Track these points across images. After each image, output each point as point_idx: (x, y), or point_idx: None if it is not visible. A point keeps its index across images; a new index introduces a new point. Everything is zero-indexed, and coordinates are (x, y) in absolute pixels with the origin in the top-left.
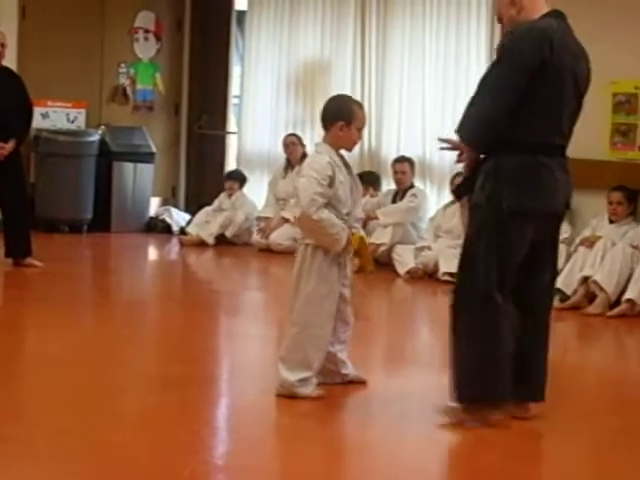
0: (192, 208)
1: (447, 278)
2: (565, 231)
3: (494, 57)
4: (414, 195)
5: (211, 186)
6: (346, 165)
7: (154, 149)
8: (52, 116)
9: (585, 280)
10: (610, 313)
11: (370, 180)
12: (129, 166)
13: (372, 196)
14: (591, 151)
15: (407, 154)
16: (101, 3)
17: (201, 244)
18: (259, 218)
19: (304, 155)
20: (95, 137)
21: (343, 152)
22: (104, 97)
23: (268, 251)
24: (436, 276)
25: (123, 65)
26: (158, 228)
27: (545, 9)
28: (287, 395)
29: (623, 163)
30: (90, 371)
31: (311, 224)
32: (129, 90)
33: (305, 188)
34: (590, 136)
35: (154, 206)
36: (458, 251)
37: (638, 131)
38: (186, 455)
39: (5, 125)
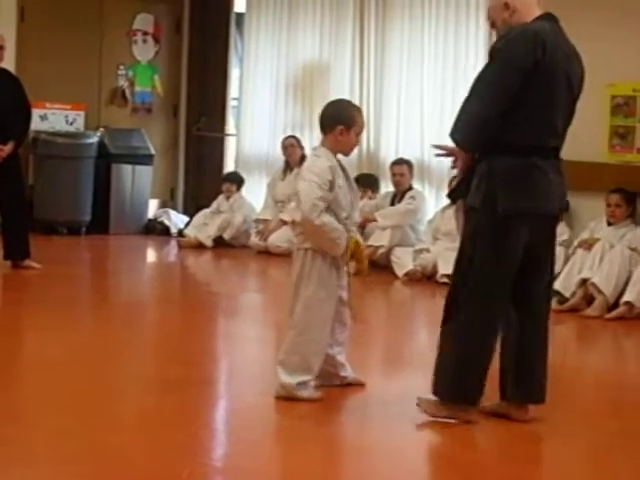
0: (190, 210)
1: (445, 280)
2: (563, 233)
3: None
4: (412, 197)
5: (210, 188)
6: (343, 169)
7: (153, 151)
8: (51, 118)
9: (583, 282)
10: (608, 315)
11: (368, 182)
12: (128, 168)
13: (370, 198)
14: (589, 153)
15: (405, 156)
16: (100, 5)
17: (199, 246)
18: (257, 220)
19: (303, 157)
20: (94, 139)
21: (339, 156)
22: (103, 99)
23: (266, 253)
24: (435, 278)
25: (122, 67)
26: (156, 230)
27: (537, 12)
28: (286, 397)
29: (621, 165)
30: (88, 373)
31: (313, 229)
32: (128, 92)
33: (307, 193)
34: (588, 138)
35: (152, 208)
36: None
37: (636, 133)
38: (184, 457)
39: (4, 127)
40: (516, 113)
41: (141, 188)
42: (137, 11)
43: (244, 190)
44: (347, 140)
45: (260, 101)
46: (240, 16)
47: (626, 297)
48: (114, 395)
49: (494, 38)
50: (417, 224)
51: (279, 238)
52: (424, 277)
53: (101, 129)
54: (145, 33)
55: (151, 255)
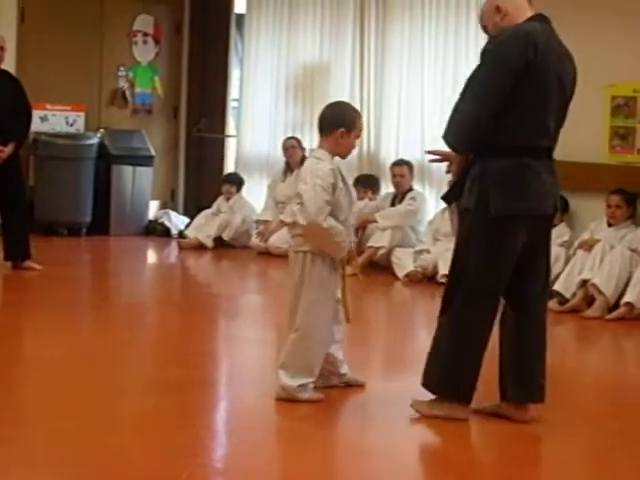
0: (191, 211)
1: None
2: (564, 234)
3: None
4: (413, 198)
5: (210, 189)
6: (341, 171)
7: (153, 152)
8: (51, 119)
9: (584, 283)
10: (609, 316)
11: (369, 183)
12: (128, 169)
13: (371, 199)
14: (590, 154)
15: (406, 157)
16: (100, 7)
17: (200, 247)
18: (258, 221)
19: (303, 158)
20: (94, 140)
21: (336, 159)
22: (103, 100)
23: (267, 254)
24: (435, 279)
25: (122, 68)
26: (157, 231)
27: (529, 14)
28: (286, 398)
29: (622, 166)
30: (88, 374)
31: (320, 232)
32: (128, 93)
33: (312, 196)
34: (589, 139)
35: (153, 209)
36: None
37: (637, 134)
38: (184, 458)
39: (4, 128)
40: (508, 114)
41: (141, 189)
42: (137, 12)
43: (244, 191)
44: (347, 143)
45: (260, 102)
46: (240, 17)
47: (626, 298)
48: (114, 396)
49: None
50: (417, 225)
51: (280, 239)
52: (424, 278)
53: (101, 130)
54: (145, 34)
55: (151, 256)
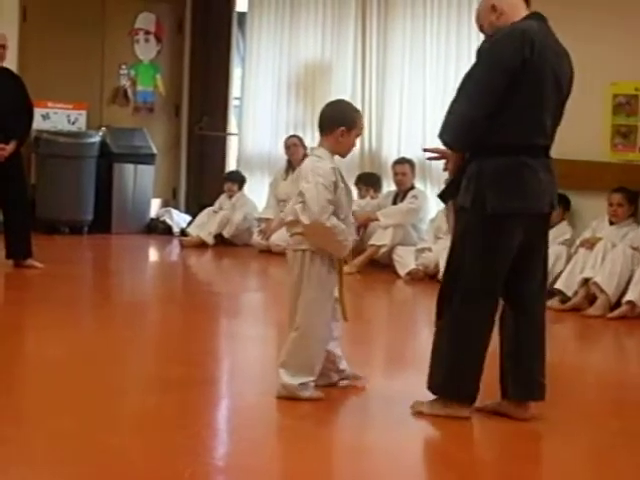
0: (192, 209)
1: None
2: (566, 232)
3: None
4: (414, 196)
5: (212, 188)
6: (339, 170)
7: (155, 150)
8: (53, 117)
9: (585, 282)
10: (610, 315)
11: (370, 181)
12: (130, 167)
13: (372, 197)
14: (591, 153)
15: (407, 155)
16: (102, 5)
17: (201, 245)
18: (260, 219)
19: (305, 157)
20: (96, 138)
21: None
22: (105, 98)
23: (268, 252)
24: (437, 277)
25: (124, 66)
26: (159, 229)
27: (525, 12)
28: (287, 397)
29: (624, 165)
30: (90, 373)
31: (323, 231)
32: (130, 91)
33: (314, 195)
34: (590, 138)
35: (155, 207)
36: None
37: (638, 133)
38: (186, 457)
39: (5, 126)
40: (504, 113)
41: (143, 187)
42: (139, 10)
43: (246, 189)
44: (347, 142)
45: (262, 100)
46: (242, 15)
47: (628, 296)
48: (115, 395)
49: None
50: (419, 223)
51: (281, 237)
52: (426, 276)
53: (103, 128)
54: (147, 32)
55: (153, 254)
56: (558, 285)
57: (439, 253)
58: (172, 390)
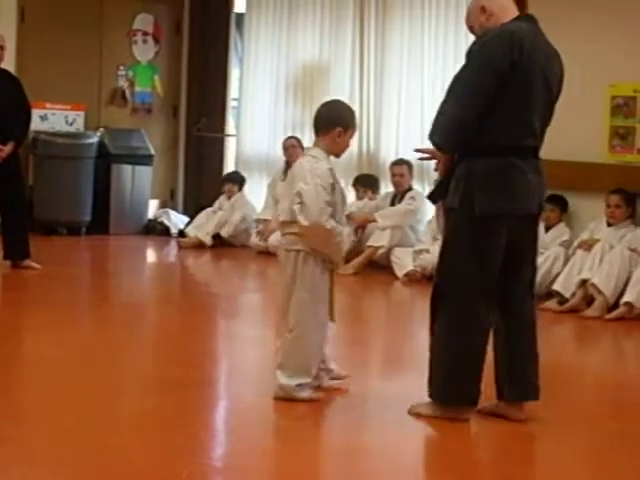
0: (190, 210)
1: None
2: (563, 234)
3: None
4: (412, 198)
5: (209, 189)
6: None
7: (152, 151)
8: (51, 118)
9: (583, 283)
10: (608, 316)
11: (368, 183)
12: (128, 168)
13: (370, 199)
14: (589, 154)
15: (405, 157)
16: (100, 6)
17: (199, 246)
18: (258, 220)
19: None
20: (94, 139)
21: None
22: (103, 99)
23: (266, 253)
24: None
25: (122, 67)
26: (156, 230)
27: (515, 13)
28: (285, 398)
29: (622, 166)
30: (88, 373)
31: (322, 233)
32: (128, 92)
33: (314, 197)
34: (589, 139)
35: (152, 208)
36: None
37: (637, 134)
38: (184, 457)
39: (3, 127)
40: (493, 114)
41: (141, 188)
42: (137, 11)
43: (245, 190)
44: (343, 142)
45: (260, 101)
46: (240, 16)
47: (626, 298)
48: (114, 396)
49: None
50: (417, 224)
51: (279, 238)
52: (424, 277)
53: (101, 129)
54: (145, 33)
55: (151, 255)
56: (556, 286)
57: (437, 254)
58: (170, 391)
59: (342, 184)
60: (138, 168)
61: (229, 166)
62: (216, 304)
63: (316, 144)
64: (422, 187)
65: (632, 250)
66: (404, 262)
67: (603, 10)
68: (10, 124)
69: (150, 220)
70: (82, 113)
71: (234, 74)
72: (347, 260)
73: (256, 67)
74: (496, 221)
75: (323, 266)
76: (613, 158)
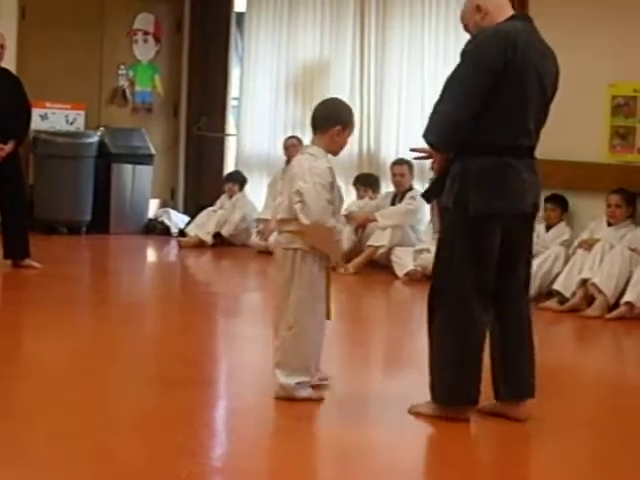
0: (191, 210)
1: None
2: (564, 233)
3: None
4: (413, 197)
5: (210, 188)
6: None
7: (153, 151)
8: (51, 118)
9: (584, 283)
10: (609, 316)
11: (369, 182)
12: (128, 168)
13: (371, 198)
14: (590, 154)
15: (406, 156)
16: (100, 5)
17: (200, 245)
18: (258, 220)
19: None
20: (94, 139)
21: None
22: (103, 99)
23: (267, 253)
24: None
25: (122, 67)
26: (157, 230)
27: (510, 12)
28: (286, 398)
29: (622, 166)
30: (88, 373)
31: (324, 231)
32: (128, 92)
33: (314, 196)
34: (589, 139)
35: (153, 208)
36: None
37: (637, 134)
38: (184, 457)
39: (3, 126)
40: (488, 114)
41: (141, 188)
42: (138, 11)
43: (246, 189)
44: (341, 140)
45: (260, 100)
46: (240, 15)
47: (626, 297)
48: (113, 395)
49: None
50: (417, 224)
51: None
52: (424, 277)
53: (101, 129)
54: (146, 33)
55: (151, 255)
56: (556, 286)
57: None
58: (170, 390)
59: (343, 183)
60: (138, 167)
61: (229, 165)
62: (216, 303)
63: (314, 142)
64: (422, 187)
65: (632, 250)
66: (404, 262)
67: (603, 9)
68: (10, 123)
69: (150, 219)
70: (82, 112)
71: (234, 73)
72: (348, 260)
73: (256, 66)
74: (491, 220)
75: (320, 264)
76: (613, 158)
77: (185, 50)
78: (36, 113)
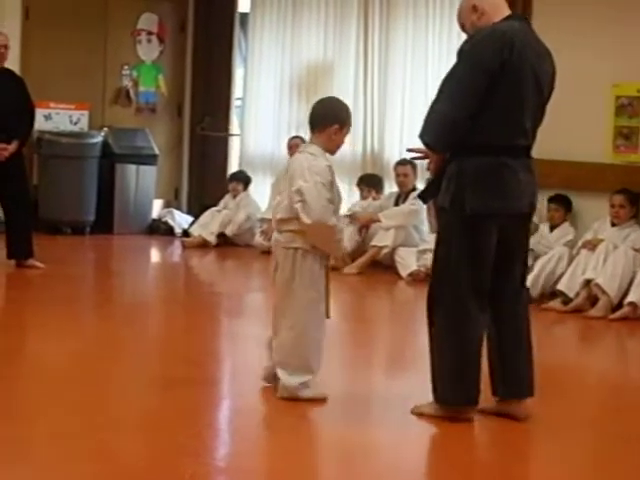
0: (194, 210)
1: None
2: (567, 234)
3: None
4: (416, 198)
5: (213, 188)
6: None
7: (157, 151)
8: (55, 118)
9: (587, 283)
10: (612, 316)
11: (372, 183)
12: (132, 168)
13: (374, 199)
14: (594, 154)
15: (409, 157)
16: (104, 5)
17: (203, 245)
18: (262, 220)
19: None
20: (98, 139)
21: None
22: (107, 99)
23: (270, 253)
24: None
25: (126, 67)
26: (160, 230)
27: (506, 12)
28: (289, 397)
29: (626, 166)
30: (91, 373)
31: (325, 230)
32: (132, 92)
33: (315, 195)
34: (592, 139)
35: (156, 208)
36: None
37: None
38: (187, 457)
39: (7, 127)
40: (485, 113)
41: (145, 188)
42: (142, 11)
43: (250, 189)
44: (339, 139)
45: (264, 101)
46: (244, 16)
47: (630, 298)
48: (117, 395)
49: None
50: (421, 224)
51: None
52: (428, 277)
53: (105, 129)
54: (149, 33)
55: (155, 255)
56: (560, 286)
57: None
58: (173, 390)
59: (346, 184)
60: (142, 168)
61: (233, 165)
62: (220, 303)
63: (312, 141)
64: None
65: (636, 250)
66: (408, 262)
67: (607, 9)
68: (14, 123)
69: (154, 220)
70: (86, 113)
71: (238, 73)
72: (351, 260)
73: (260, 66)
74: (487, 220)
75: (321, 263)
76: (617, 158)
77: (189, 50)
78: (40, 113)
